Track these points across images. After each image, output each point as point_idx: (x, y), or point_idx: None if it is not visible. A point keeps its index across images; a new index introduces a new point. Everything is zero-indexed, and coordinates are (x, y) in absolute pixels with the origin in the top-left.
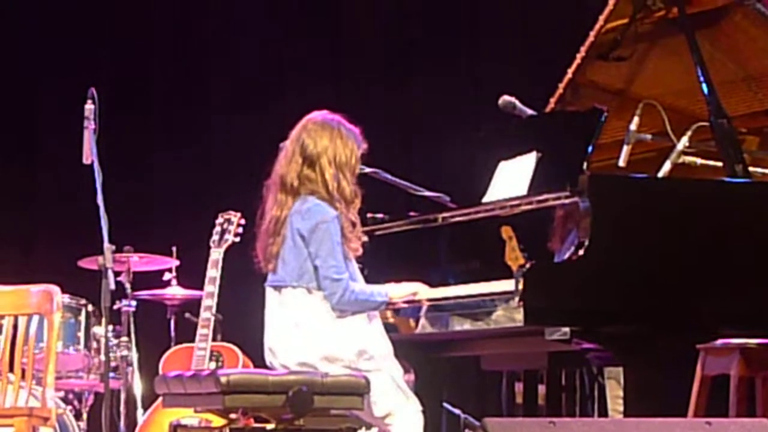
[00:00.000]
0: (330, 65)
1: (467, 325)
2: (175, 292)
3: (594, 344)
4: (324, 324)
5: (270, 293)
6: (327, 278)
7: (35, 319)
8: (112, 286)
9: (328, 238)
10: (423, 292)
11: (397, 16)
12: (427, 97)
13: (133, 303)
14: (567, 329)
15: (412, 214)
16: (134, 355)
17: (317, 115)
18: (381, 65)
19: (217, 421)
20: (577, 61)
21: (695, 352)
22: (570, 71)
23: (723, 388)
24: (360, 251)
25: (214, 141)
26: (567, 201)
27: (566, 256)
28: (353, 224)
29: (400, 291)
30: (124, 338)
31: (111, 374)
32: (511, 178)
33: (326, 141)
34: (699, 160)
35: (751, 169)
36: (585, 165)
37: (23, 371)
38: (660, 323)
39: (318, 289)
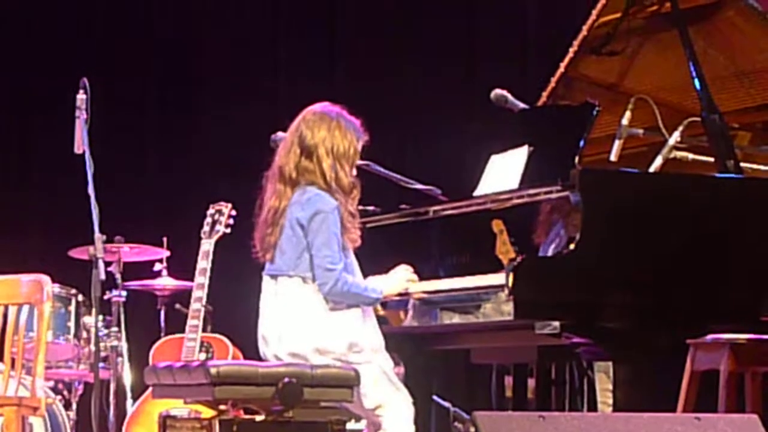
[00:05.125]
0: (323, 58)
1: (457, 319)
2: (166, 282)
3: (584, 338)
4: (317, 315)
5: (266, 282)
6: (320, 267)
7: (25, 308)
8: (103, 277)
9: (326, 228)
10: (414, 285)
11: (390, 10)
12: (420, 90)
13: (124, 293)
14: (557, 323)
15: (403, 206)
16: (124, 346)
17: (317, 106)
18: (373, 58)
19: (207, 413)
20: (570, 55)
21: (685, 347)
22: (562, 65)
23: (712, 384)
24: (359, 242)
25: (205, 132)
26: (558, 195)
27: (551, 249)
28: (352, 215)
29: (393, 286)
30: (114, 328)
31: (101, 364)
32: (503, 172)
33: (324, 132)
34: (690, 156)
35: (742, 164)
36: (577, 159)
37: (13, 361)
38: (650, 318)
39: (314, 279)
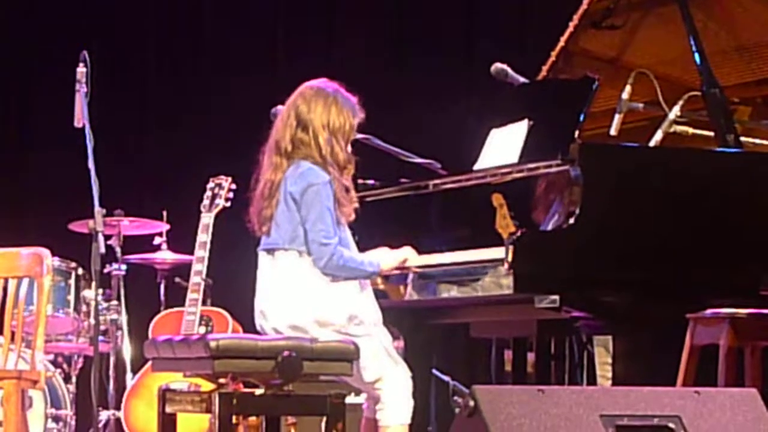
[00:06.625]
0: (322, 32)
1: (457, 293)
2: (165, 256)
3: (583, 312)
4: (315, 287)
5: (262, 257)
6: (315, 242)
7: (25, 281)
8: (103, 250)
9: (318, 201)
10: (413, 259)
11: None
12: (420, 64)
13: (123, 267)
14: (556, 297)
15: (403, 180)
16: (124, 319)
17: (315, 82)
18: (374, 32)
19: (206, 386)
20: (570, 29)
21: (684, 321)
22: (562, 39)
23: (712, 358)
24: (353, 217)
25: (205, 105)
26: (558, 169)
27: (551, 223)
28: (347, 189)
29: (391, 261)
30: (114, 302)
31: (100, 338)
32: (503, 146)
33: (321, 107)
34: (690, 130)
35: (742, 139)
36: (577, 133)
37: (13, 334)
38: (649, 292)
39: (309, 253)
